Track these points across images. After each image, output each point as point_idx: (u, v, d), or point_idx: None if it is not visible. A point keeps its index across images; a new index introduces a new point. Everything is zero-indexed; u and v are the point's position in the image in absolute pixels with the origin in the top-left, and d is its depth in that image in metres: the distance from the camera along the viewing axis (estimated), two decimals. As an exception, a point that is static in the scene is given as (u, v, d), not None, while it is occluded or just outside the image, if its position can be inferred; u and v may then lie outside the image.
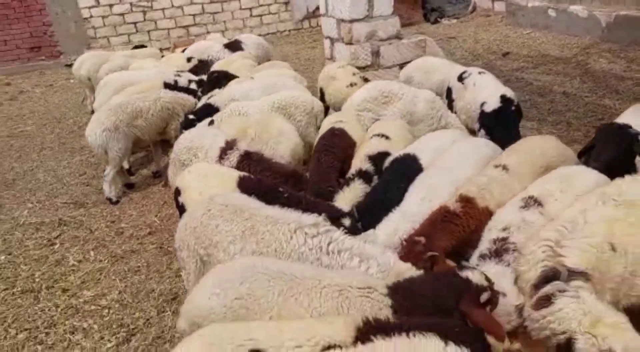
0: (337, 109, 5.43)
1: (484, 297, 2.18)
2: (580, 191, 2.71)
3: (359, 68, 6.00)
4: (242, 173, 3.45)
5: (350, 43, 5.96)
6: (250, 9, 13.25)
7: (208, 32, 12.40)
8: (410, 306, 2.16)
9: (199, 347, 1.94)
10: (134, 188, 5.68)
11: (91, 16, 12.13)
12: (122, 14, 12.31)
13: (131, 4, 12.32)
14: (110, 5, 12.18)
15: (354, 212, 3.11)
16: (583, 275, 2.21)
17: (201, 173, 3.52)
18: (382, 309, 2.17)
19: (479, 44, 9.91)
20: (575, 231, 2.39)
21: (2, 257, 4.56)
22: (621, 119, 3.61)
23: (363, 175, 3.50)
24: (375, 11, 5.86)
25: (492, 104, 4.43)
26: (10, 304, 3.92)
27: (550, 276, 2.24)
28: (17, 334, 3.60)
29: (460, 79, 4.91)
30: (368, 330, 1.93)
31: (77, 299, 3.92)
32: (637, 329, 2.10)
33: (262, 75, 5.87)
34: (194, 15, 12.87)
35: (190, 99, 5.89)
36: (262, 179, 3.43)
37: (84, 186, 5.86)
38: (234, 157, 3.95)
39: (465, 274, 2.23)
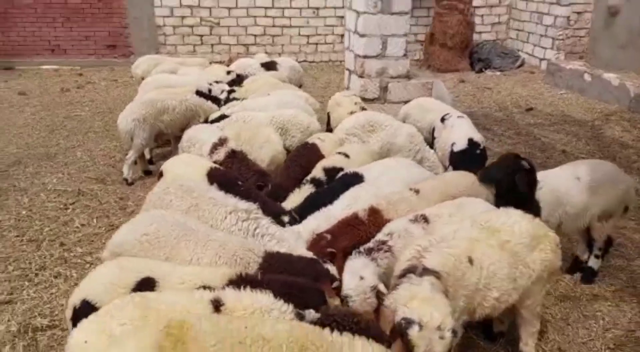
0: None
1: (334, 284, 2.82)
2: (467, 217, 3.12)
3: (367, 100, 6.58)
4: (214, 165, 4.10)
5: (362, 76, 6.55)
6: (307, 36, 14.12)
7: (266, 52, 13.36)
8: (277, 270, 2.73)
9: (112, 268, 2.64)
10: (150, 175, 6.44)
11: (164, 24, 13.41)
12: (191, 26, 13.52)
13: (201, 18, 13.51)
14: (183, 17, 13.42)
15: (292, 212, 3.65)
16: (435, 274, 2.64)
17: (183, 161, 4.19)
18: (251, 264, 2.77)
19: (509, 97, 10.21)
20: (443, 242, 2.83)
21: (24, 212, 5.41)
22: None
23: (315, 182, 4.07)
24: (388, 51, 6.43)
25: (460, 145, 4.86)
26: (17, 248, 4.71)
27: (409, 270, 2.69)
28: (13, 270, 4.36)
29: (442, 120, 5.37)
30: (235, 282, 2.48)
31: (69, 253, 4.66)
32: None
33: (278, 93, 6.55)
34: (255, 35, 13.89)
35: (213, 106, 6.64)
36: (228, 172, 4.07)
37: (110, 166, 6.70)
38: (222, 152, 4.64)
39: (326, 266, 2.84)
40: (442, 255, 2.73)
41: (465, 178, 3.73)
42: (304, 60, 13.96)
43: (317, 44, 14.25)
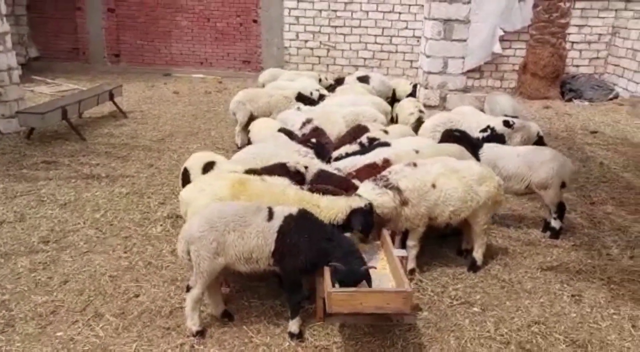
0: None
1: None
2: (443, 165, 4.76)
3: (428, 107, 8.30)
4: (282, 126, 6.46)
5: (426, 87, 8.30)
6: (411, 61, 15.98)
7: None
8: (325, 176, 4.76)
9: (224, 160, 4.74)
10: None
11: (290, 46, 16.12)
12: (312, 49, 16.09)
13: (320, 42, 16.02)
14: (305, 41, 16.04)
15: (340, 156, 5.68)
16: (398, 190, 4.40)
17: (262, 122, 6.53)
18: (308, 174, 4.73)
19: (583, 122, 11.10)
20: (419, 174, 4.57)
21: (174, 162, 7.94)
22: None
23: (359, 144, 6.02)
24: (449, 69, 8.12)
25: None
26: (168, 179, 7.16)
27: (386, 185, 4.47)
28: (166, 190, 6.77)
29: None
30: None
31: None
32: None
33: (363, 98, 8.51)
34: (365, 58, 16.09)
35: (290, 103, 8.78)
36: (291, 132, 6.38)
37: (232, 143, 9.09)
38: (308, 127, 6.76)
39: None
40: (411, 179, 4.50)
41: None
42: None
43: (418, 68, 16.01)
